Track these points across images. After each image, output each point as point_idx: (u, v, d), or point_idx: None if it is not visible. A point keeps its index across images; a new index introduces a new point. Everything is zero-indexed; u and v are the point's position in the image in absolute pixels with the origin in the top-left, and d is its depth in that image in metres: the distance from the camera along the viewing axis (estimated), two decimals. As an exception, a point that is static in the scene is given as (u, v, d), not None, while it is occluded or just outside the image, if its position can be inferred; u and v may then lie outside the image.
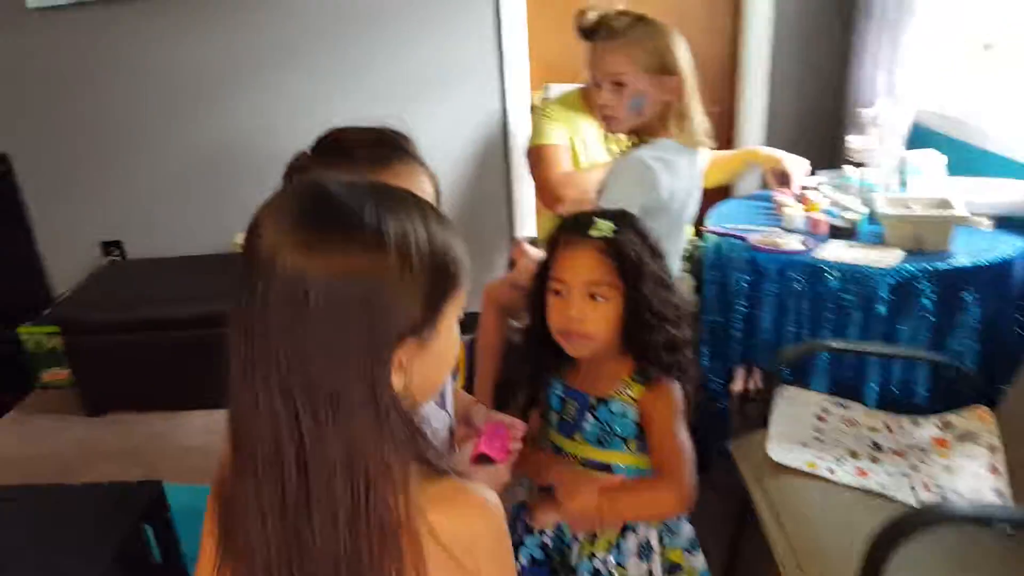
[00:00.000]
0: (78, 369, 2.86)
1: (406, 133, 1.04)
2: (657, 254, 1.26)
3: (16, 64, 2.98)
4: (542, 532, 1.34)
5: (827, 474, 1.59)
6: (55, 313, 2.92)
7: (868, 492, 1.54)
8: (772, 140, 3.08)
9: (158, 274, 3.13)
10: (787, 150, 3.07)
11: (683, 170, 1.84)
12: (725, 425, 2.24)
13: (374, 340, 0.64)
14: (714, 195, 2.66)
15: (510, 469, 1.10)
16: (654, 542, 1.30)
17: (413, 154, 1.03)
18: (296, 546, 0.66)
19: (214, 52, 2.97)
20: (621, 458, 1.29)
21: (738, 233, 2.14)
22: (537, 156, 2.35)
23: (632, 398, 1.27)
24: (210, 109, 3.06)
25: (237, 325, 0.65)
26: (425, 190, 1.01)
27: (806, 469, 1.60)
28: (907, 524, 1.24)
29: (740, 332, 2.07)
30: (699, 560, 1.35)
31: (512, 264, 2.44)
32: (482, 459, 1.10)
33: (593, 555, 1.29)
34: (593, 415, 1.29)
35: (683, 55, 1.80)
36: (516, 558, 1.32)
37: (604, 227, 1.23)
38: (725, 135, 3.16)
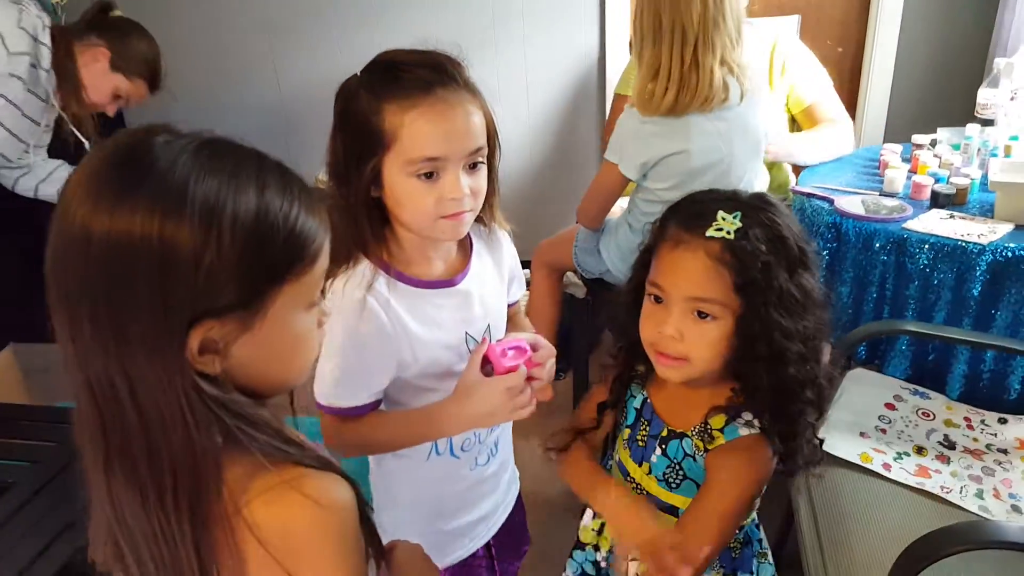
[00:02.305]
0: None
1: (459, 59, 0.98)
2: (798, 260, 0.95)
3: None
4: (596, 548, 1.16)
5: (881, 470, 1.44)
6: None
7: (926, 494, 1.39)
8: (899, 85, 2.78)
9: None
10: (913, 98, 2.79)
11: (690, 127, 1.71)
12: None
13: (162, 314, 0.57)
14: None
15: (519, 383, 1.01)
16: None
17: (461, 81, 0.96)
18: (116, 519, 0.63)
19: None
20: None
21: (826, 194, 1.95)
22: (613, 107, 2.22)
23: (705, 446, 1.00)
24: (301, 46, 3.05)
25: (48, 278, 0.60)
26: (472, 121, 0.95)
27: (858, 461, 1.46)
28: (945, 540, 1.09)
29: (817, 304, 1.90)
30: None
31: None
32: (485, 366, 1.02)
33: None
34: (662, 449, 1.04)
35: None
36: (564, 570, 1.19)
37: (727, 223, 0.93)
38: (850, 80, 2.88)
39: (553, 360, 1.07)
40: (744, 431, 0.98)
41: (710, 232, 0.94)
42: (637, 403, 1.10)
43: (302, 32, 3.05)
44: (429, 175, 0.94)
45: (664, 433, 1.05)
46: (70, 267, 0.58)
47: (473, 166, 0.98)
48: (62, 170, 2.12)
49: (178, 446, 0.60)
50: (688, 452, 1.02)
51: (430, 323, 1.04)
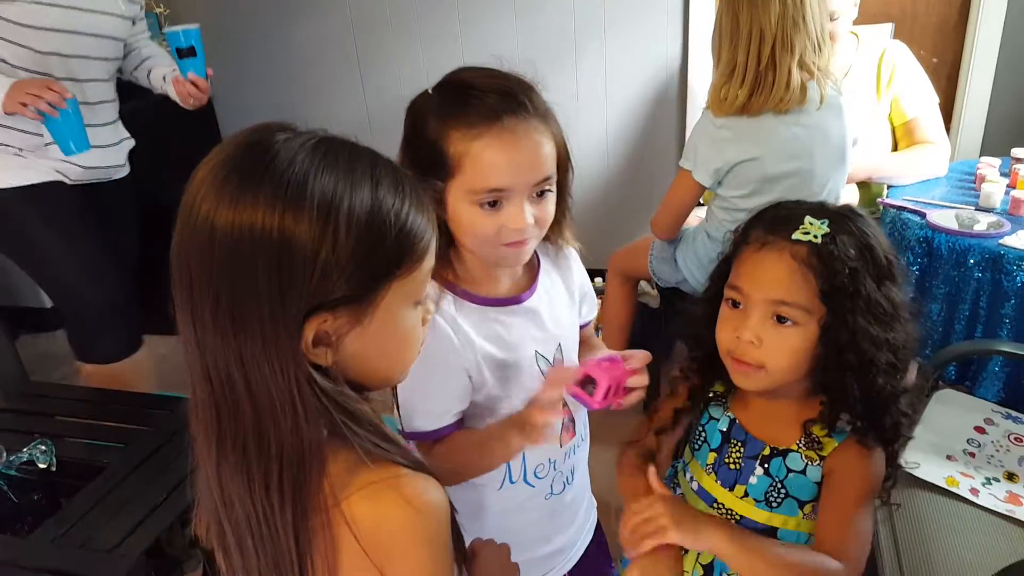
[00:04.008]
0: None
1: (532, 83, 0.94)
2: (886, 271, 0.94)
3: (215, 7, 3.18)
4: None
5: (968, 495, 1.38)
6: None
7: (1017, 522, 1.33)
8: (998, 96, 2.66)
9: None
10: (1014, 110, 2.66)
11: (765, 131, 1.68)
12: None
13: (280, 304, 0.59)
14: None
15: (553, 400, 0.95)
16: None
17: (533, 109, 0.92)
18: (223, 501, 0.65)
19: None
20: (792, 523, 1.00)
21: (918, 208, 1.89)
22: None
23: (819, 455, 0.98)
24: (386, 55, 3.12)
25: (172, 264, 0.62)
26: (540, 152, 0.92)
27: (944, 485, 1.41)
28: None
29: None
30: None
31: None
32: (587, 384, 0.96)
33: None
34: (764, 468, 1.01)
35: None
36: None
37: (814, 228, 0.92)
38: (946, 91, 2.76)
39: (646, 365, 1.01)
40: (846, 428, 0.97)
41: (796, 235, 0.93)
42: (723, 425, 1.06)
43: (387, 44, 3.13)
44: (493, 204, 0.92)
45: (766, 452, 1.01)
46: (194, 259, 0.60)
47: (540, 194, 0.95)
48: (164, 55, 2.15)
49: (286, 434, 0.61)
50: (794, 468, 0.99)
51: (497, 341, 1.02)
